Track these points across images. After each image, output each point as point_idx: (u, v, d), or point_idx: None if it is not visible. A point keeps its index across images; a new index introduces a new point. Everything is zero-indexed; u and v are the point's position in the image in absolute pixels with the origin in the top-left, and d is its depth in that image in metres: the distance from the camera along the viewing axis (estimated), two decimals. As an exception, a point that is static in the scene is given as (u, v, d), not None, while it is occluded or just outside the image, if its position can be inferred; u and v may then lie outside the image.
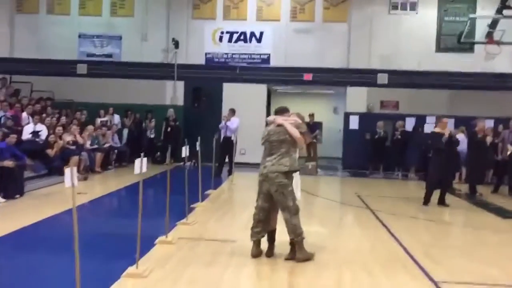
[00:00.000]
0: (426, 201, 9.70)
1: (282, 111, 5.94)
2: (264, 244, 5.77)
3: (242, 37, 16.82)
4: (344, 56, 16.68)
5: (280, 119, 5.73)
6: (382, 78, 16.52)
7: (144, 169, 5.37)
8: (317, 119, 21.02)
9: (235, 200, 10.83)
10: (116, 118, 15.93)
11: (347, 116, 16.92)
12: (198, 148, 9.04)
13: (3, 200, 8.34)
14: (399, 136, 15.30)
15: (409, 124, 15.97)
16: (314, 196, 10.73)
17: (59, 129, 11.76)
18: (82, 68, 16.79)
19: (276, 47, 16.76)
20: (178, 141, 14.77)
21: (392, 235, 7.13)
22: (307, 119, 16.48)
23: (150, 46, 16.81)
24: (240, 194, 11.30)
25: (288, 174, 5.55)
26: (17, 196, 8.76)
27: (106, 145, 13.61)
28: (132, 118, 16.06)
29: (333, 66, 16.60)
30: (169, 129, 15.65)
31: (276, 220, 5.83)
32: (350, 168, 16.33)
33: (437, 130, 9.90)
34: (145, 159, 5.34)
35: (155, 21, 16.79)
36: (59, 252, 5.74)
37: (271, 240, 5.83)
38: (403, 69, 16.33)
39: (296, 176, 5.83)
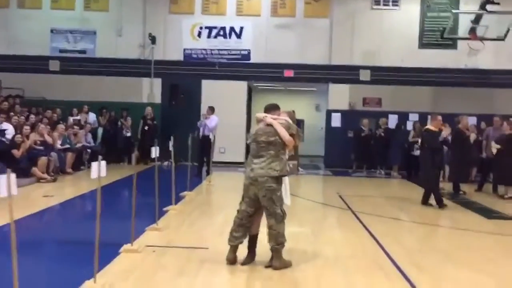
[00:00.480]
0: (425, 200, 9.39)
1: (272, 108, 5.49)
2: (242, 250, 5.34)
3: (221, 33, 16.33)
4: (326, 52, 16.30)
5: (269, 118, 5.29)
6: (365, 75, 16.21)
7: (103, 173, 4.91)
8: (298, 116, 20.20)
9: (211, 202, 10.37)
10: (91, 116, 15.36)
11: (329, 113, 16.56)
12: (171, 147, 8.58)
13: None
14: (382, 134, 14.98)
15: (392, 121, 15.66)
16: (294, 196, 10.21)
17: (26, 128, 11.16)
18: (54, 65, 16.14)
19: (257, 42, 16.31)
20: (155, 140, 14.30)
21: (374, 238, 6.76)
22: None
23: (126, 41, 16.23)
24: (217, 195, 10.87)
25: (278, 179, 5.15)
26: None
27: (79, 145, 13.02)
28: (107, 117, 15.49)
29: (315, 63, 16.21)
30: (146, 127, 15.12)
31: (259, 225, 5.43)
32: (332, 166, 15.98)
33: (432, 128, 9.55)
34: (103, 162, 4.88)
35: (131, 15, 16.22)
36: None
37: (252, 246, 5.38)
38: (385, 65, 16.04)
39: (285, 180, 5.41)
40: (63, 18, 16.33)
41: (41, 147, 11.38)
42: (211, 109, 13.11)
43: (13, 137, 10.72)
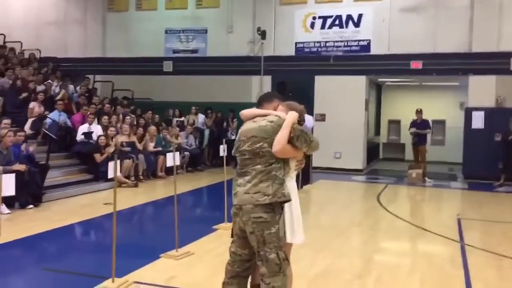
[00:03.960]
0: None
1: (265, 99, 3.72)
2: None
3: (337, 22, 14.44)
4: (465, 37, 13.36)
5: (255, 112, 3.59)
6: (516, 63, 12.92)
7: (118, 173, 5.00)
8: (440, 116, 17.75)
9: None
10: (201, 117, 14.75)
11: (469, 112, 13.51)
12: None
13: (7, 211, 7.35)
14: (540, 138, 11.62)
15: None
16: (393, 216, 8.13)
17: (111, 130, 10.74)
18: (168, 66, 15.94)
19: (378, 31, 14.06)
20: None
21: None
22: (408, 116, 13.77)
23: (236, 38, 15.34)
24: (301, 211, 9.05)
25: (274, 206, 3.36)
26: (30, 206, 7.73)
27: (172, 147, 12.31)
28: (213, 118, 14.73)
29: (450, 51, 13.39)
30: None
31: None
32: (473, 177, 12.98)
33: None
34: (118, 162, 4.60)
35: (241, 10, 15.26)
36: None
37: None
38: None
39: (291, 207, 3.53)
40: (177, 18, 16.07)
41: (128, 148, 10.91)
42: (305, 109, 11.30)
43: (98, 138, 10.36)
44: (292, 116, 3.42)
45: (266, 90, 14.81)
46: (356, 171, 14.08)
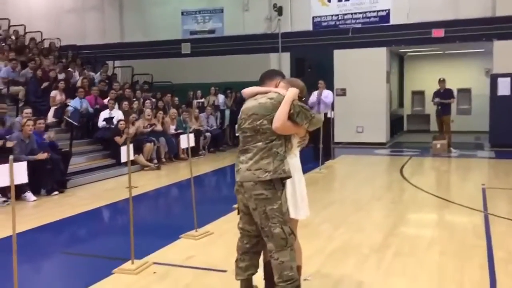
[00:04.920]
0: None
1: (267, 77, 3.65)
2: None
3: (354, -7, 14.14)
4: (488, 1, 12.92)
5: (256, 90, 3.56)
6: (544, 26, 12.44)
7: (131, 157, 4.72)
8: (465, 84, 17.33)
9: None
10: (221, 98, 14.76)
11: (494, 78, 13.15)
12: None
13: (33, 198, 7.55)
14: None
15: None
16: (415, 188, 8.03)
17: (133, 115, 10.85)
18: (186, 47, 15.93)
19: (397, 0, 13.70)
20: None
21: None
22: (432, 87, 13.42)
23: (252, 16, 15.22)
24: (316, 189, 8.98)
25: (274, 183, 3.33)
26: (55, 193, 7.92)
27: (193, 128, 12.36)
28: (233, 97, 14.71)
29: (473, 17, 12.97)
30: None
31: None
32: (500, 146, 12.70)
33: None
34: (131, 146, 4.61)
35: (256, -13, 15.08)
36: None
37: (269, 278, 3.63)
38: None
39: (295, 183, 3.51)
40: (193, -1, 16.01)
41: (150, 129, 11.01)
42: (324, 82, 11.20)
43: (117, 123, 10.49)
44: (291, 92, 3.38)
45: (285, 67, 14.77)
46: (379, 145, 13.92)
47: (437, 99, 12.45)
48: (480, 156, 12.12)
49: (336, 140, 14.05)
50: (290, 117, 3.32)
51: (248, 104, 3.51)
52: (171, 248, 5.15)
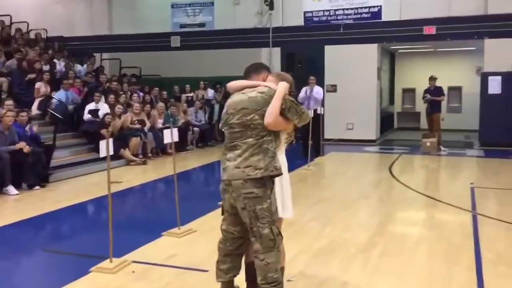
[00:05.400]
0: None
1: (253, 70, 3.51)
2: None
3: (346, -11, 14.01)
4: (480, -1, 12.86)
5: (244, 84, 3.41)
6: (535, 25, 12.39)
7: (111, 152, 4.43)
8: (456, 82, 17.27)
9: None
10: (210, 92, 14.59)
11: (485, 76, 13.09)
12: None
13: (15, 192, 7.36)
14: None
15: None
16: (403, 187, 7.93)
17: (119, 107, 10.66)
18: (175, 41, 15.70)
19: (389, -4, 13.62)
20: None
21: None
22: (423, 84, 13.36)
23: (243, 10, 15.03)
24: (301, 187, 8.86)
25: (264, 181, 3.20)
26: (37, 187, 7.73)
27: (180, 123, 12.20)
28: (223, 92, 14.53)
29: (464, 14, 12.89)
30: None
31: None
32: (489, 144, 12.66)
33: None
34: (110, 140, 4.42)
35: (248, -20, 14.89)
36: None
37: (251, 280, 3.50)
38: None
39: (281, 181, 3.40)
40: (183, -9, 15.79)
41: (139, 126, 10.83)
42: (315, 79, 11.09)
43: (103, 116, 10.29)
44: (283, 86, 3.25)
45: (276, 62, 14.63)
46: (369, 142, 13.84)
47: (427, 96, 12.38)
48: (469, 154, 12.08)
49: (326, 136, 14.00)
50: (282, 112, 3.19)
51: (235, 98, 3.37)
52: (152, 246, 5.01)
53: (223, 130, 3.43)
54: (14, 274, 4.48)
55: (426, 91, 12.61)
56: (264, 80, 3.40)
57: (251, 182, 3.18)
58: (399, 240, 5.21)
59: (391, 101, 18.22)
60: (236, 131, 3.27)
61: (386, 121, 16.58)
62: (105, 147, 4.37)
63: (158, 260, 4.56)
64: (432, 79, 12.58)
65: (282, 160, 3.41)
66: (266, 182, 3.21)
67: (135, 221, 6.30)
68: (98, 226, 6.12)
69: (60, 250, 4.99)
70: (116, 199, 7.51)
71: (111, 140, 4.43)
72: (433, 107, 12.44)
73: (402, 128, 18.21)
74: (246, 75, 3.50)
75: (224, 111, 3.43)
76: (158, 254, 4.73)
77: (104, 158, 9.76)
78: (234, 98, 3.37)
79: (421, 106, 15.41)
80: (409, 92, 18.28)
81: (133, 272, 4.27)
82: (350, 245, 4.98)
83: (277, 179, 3.31)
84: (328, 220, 5.94)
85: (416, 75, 17.32)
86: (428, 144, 12.04)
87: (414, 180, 8.73)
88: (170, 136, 5.40)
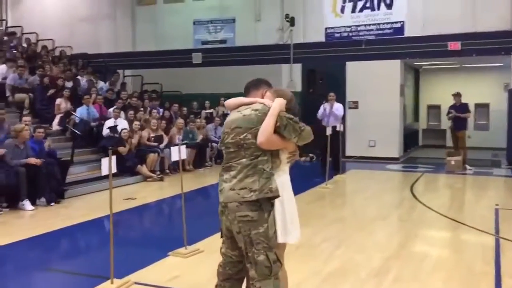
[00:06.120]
0: None
1: (253, 86, 3.38)
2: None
3: (368, 5, 13.82)
4: (507, 14, 12.50)
5: (240, 101, 3.27)
6: None
7: (114, 170, 4.38)
8: (483, 99, 16.81)
9: (303, 214, 8.10)
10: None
11: (512, 93, 12.69)
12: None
13: (31, 207, 7.37)
14: None
15: None
16: (424, 207, 7.63)
17: (136, 124, 10.68)
18: (197, 57, 15.76)
19: (412, 12, 13.35)
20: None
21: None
22: (449, 101, 12.99)
23: (264, 26, 15.00)
24: (319, 206, 8.62)
25: (262, 203, 3.02)
26: (52, 203, 7.71)
27: (199, 139, 12.14)
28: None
29: (490, 29, 12.54)
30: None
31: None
32: (518, 163, 12.19)
33: None
34: (114, 158, 4.30)
35: (269, -4, 14.89)
36: None
37: None
38: None
39: (283, 203, 3.16)
40: (204, 8, 15.87)
41: (155, 143, 10.82)
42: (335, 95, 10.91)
43: (120, 132, 10.31)
44: (278, 103, 3.09)
45: (297, 79, 14.52)
46: (392, 160, 13.51)
47: (452, 113, 12.02)
48: (496, 174, 11.62)
49: (347, 154, 13.74)
50: (277, 130, 3.03)
51: (231, 117, 3.23)
52: (157, 266, 4.88)
53: (221, 150, 3.29)
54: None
55: (451, 108, 12.27)
56: (262, 97, 3.25)
57: (246, 204, 3.01)
58: (415, 265, 4.94)
59: (416, 117, 17.84)
60: (231, 151, 3.12)
61: (410, 138, 16.21)
62: (107, 164, 4.29)
63: (160, 281, 4.43)
64: (457, 95, 12.23)
65: (284, 180, 3.22)
66: (263, 204, 3.03)
67: (144, 239, 6.21)
68: (105, 244, 6.01)
69: (64, 270, 4.91)
70: (128, 216, 7.51)
71: (114, 158, 4.35)
72: (458, 124, 12.07)
73: (427, 145, 17.77)
74: (246, 91, 3.37)
75: (221, 130, 3.30)
76: (161, 275, 4.60)
77: (121, 174, 9.88)
78: (230, 117, 3.23)
79: (447, 123, 15.01)
80: (434, 109, 17.87)
81: (133, 294, 4.15)
82: (362, 268, 4.75)
83: (277, 201, 3.13)
84: (342, 242, 5.72)
85: (441, 92, 16.89)
86: (453, 162, 11.66)
87: (436, 200, 8.39)
88: (178, 153, 5.29)
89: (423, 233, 6.35)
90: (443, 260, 5.14)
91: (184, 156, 5.45)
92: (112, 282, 4.25)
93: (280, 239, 3.15)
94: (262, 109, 3.08)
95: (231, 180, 3.08)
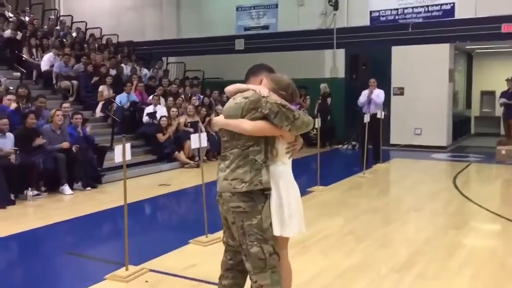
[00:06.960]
0: None
1: (252, 73, 3.25)
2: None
3: (416, -14, 13.23)
4: None
5: (238, 88, 3.15)
6: None
7: (128, 157, 4.51)
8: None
9: (332, 206, 7.12)
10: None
11: None
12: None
13: (70, 191, 7.62)
14: None
15: None
16: (464, 199, 7.25)
17: (173, 110, 10.77)
18: (239, 44, 15.70)
19: (463, -8, 12.68)
20: (325, 121, 12.58)
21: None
22: (504, 86, 12.25)
23: (307, 11, 14.73)
24: (354, 195, 8.31)
25: (254, 195, 2.92)
26: (88, 188, 7.94)
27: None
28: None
29: (549, 10, 11.71)
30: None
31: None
32: None
33: None
34: (128, 145, 4.48)
35: (312, -20, 14.55)
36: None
37: None
38: None
39: (286, 193, 3.03)
40: (248, -6, 15.76)
41: (191, 129, 10.87)
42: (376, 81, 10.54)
43: (159, 119, 10.44)
44: (263, 88, 2.97)
45: (340, 65, 14.16)
46: (439, 148, 12.96)
47: (503, 100, 11.35)
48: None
49: (391, 142, 13.32)
50: (267, 117, 2.91)
51: (227, 104, 3.14)
52: (176, 254, 4.89)
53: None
54: (29, 275, 4.54)
55: (503, 94, 11.58)
56: (260, 83, 3.12)
57: (238, 195, 2.92)
58: (442, 262, 4.68)
59: (468, 104, 17.02)
60: (225, 140, 3.04)
61: (461, 126, 15.50)
62: (121, 152, 4.31)
63: (176, 270, 4.42)
64: (510, 80, 11.52)
65: (283, 171, 3.08)
66: (256, 196, 2.92)
67: (168, 225, 6.28)
68: (130, 230, 6.12)
69: (85, 254, 5.01)
70: (159, 202, 7.61)
71: (128, 145, 4.37)
72: (510, 112, 11.38)
73: (480, 133, 16.92)
74: (246, 78, 3.25)
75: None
76: (178, 263, 4.60)
77: (160, 160, 10.02)
78: (227, 104, 3.14)
79: (501, 110, 14.23)
80: (488, 95, 16.96)
81: (146, 281, 4.17)
82: (383, 264, 4.55)
83: (274, 193, 3.02)
84: (368, 234, 5.52)
85: (496, 77, 15.97)
86: (503, 152, 11.02)
87: (479, 192, 7.97)
88: (198, 141, 5.25)
89: (456, 228, 5.98)
90: (472, 257, 4.82)
91: (204, 144, 5.39)
92: (127, 269, 4.29)
93: (276, 232, 3.03)
94: (251, 96, 2.96)
95: (225, 170, 3.00)
